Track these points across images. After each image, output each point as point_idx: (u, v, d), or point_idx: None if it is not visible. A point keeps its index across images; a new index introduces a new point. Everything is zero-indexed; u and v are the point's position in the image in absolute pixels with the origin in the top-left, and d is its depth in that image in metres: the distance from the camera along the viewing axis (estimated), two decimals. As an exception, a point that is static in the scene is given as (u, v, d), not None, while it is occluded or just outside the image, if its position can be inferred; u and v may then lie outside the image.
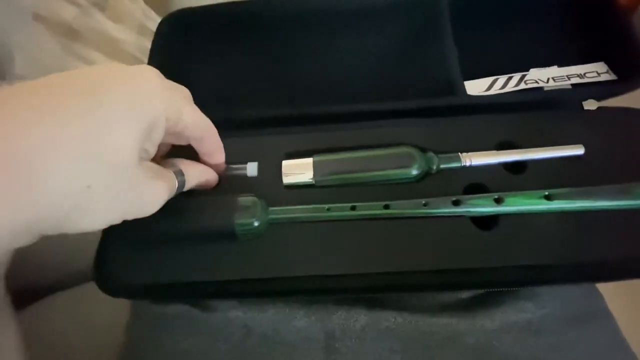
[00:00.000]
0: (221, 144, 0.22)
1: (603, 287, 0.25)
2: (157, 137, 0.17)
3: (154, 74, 0.17)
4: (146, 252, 0.22)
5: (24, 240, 0.13)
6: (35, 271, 0.44)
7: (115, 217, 0.16)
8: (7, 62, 0.35)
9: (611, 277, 0.20)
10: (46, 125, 0.12)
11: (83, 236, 0.26)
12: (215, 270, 0.21)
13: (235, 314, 0.22)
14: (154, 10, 0.52)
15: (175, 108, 0.17)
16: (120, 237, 0.22)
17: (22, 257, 0.43)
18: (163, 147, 0.21)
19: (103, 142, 0.13)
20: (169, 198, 0.18)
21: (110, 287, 0.21)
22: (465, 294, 0.22)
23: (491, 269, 0.20)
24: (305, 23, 0.33)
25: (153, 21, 0.51)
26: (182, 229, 0.21)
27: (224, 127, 0.24)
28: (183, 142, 0.21)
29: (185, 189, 0.20)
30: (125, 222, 0.21)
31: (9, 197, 0.11)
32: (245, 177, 0.24)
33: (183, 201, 0.22)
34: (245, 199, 0.21)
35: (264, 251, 0.21)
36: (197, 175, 0.21)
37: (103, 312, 0.39)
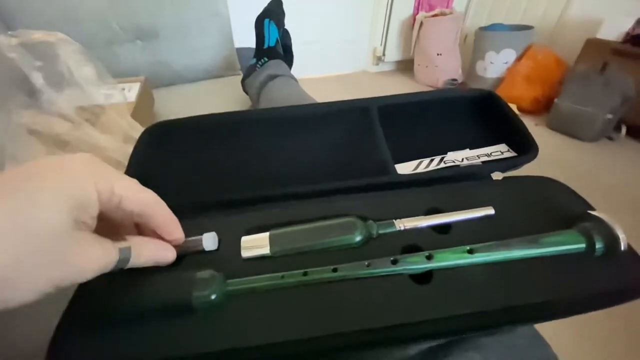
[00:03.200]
0: (174, 218, 0.23)
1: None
2: (93, 210, 0.18)
3: (85, 156, 0.18)
4: (102, 332, 0.22)
5: None
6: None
7: (47, 285, 0.16)
8: (-2, 170, 0.38)
9: (534, 319, 0.22)
10: None
11: (29, 319, 0.24)
12: (171, 347, 0.21)
13: None
14: (140, 123, 0.60)
15: (105, 181, 0.18)
16: (79, 318, 0.22)
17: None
18: (125, 221, 0.22)
19: (29, 215, 0.15)
20: (108, 269, 0.19)
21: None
22: (413, 350, 0.23)
23: (432, 321, 0.22)
24: (268, 127, 0.40)
25: (137, 131, 0.58)
26: (139, 305, 0.22)
27: (192, 211, 0.28)
28: (133, 218, 0.21)
29: (138, 265, 0.21)
30: (83, 303, 0.22)
31: None
32: (207, 253, 0.27)
33: (141, 277, 0.23)
34: (203, 273, 0.23)
35: (219, 323, 0.22)
36: (150, 251, 0.22)
37: None
